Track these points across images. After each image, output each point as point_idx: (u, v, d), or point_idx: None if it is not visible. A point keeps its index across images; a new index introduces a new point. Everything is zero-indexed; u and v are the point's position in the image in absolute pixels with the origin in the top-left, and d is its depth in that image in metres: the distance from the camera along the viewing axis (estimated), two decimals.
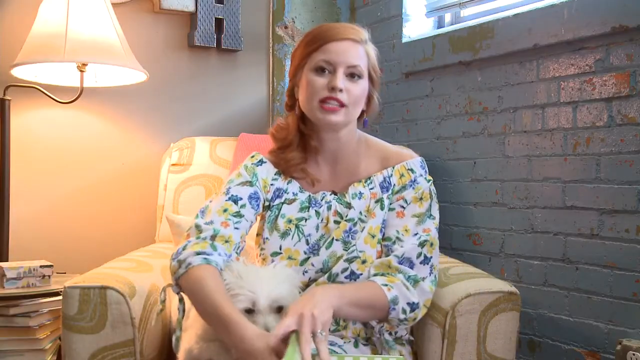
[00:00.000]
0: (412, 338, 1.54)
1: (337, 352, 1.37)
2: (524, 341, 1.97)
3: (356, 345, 1.45)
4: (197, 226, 1.40)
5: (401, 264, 1.42)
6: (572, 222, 1.84)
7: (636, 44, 1.67)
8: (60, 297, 1.49)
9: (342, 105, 1.42)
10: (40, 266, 1.91)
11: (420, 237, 1.45)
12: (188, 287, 1.32)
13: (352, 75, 1.43)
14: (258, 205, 1.49)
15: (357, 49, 1.44)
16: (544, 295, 1.91)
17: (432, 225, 1.47)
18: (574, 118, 1.84)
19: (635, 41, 1.68)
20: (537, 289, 1.94)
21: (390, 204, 1.49)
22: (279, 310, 1.28)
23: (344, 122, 1.46)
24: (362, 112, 1.51)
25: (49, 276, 1.92)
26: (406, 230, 1.46)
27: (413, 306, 1.39)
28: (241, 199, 1.46)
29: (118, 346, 1.44)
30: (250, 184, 1.49)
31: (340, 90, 1.41)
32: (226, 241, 1.38)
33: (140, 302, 1.49)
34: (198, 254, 1.33)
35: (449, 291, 1.50)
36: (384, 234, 1.47)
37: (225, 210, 1.43)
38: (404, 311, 1.38)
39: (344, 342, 1.44)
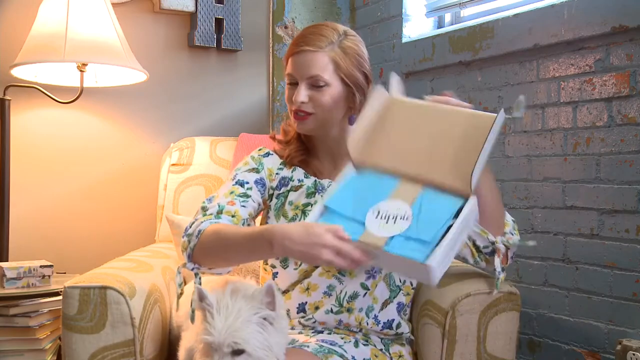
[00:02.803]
0: (412, 338, 1.54)
1: (336, 352, 1.37)
2: (524, 341, 1.97)
3: (356, 345, 1.45)
4: (203, 207, 1.44)
5: None
6: (572, 222, 1.84)
7: (636, 44, 1.68)
8: (60, 297, 1.49)
9: (308, 114, 1.46)
10: (40, 266, 1.91)
11: None
12: (204, 247, 1.34)
13: (315, 84, 1.45)
14: (264, 190, 1.52)
15: (316, 60, 1.44)
16: (544, 295, 1.91)
17: None
18: (574, 118, 1.84)
19: (635, 41, 1.68)
20: (537, 289, 1.94)
21: None
22: (240, 353, 1.23)
23: (316, 128, 1.49)
24: (351, 109, 1.51)
25: (49, 276, 1.93)
26: None
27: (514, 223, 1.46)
28: (247, 182, 1.50)
29: (118, 346, 1.44)
30: (256, 170, 1.53)
31: (303, 102, 1.45)
32: (232, 215, 1.41)
33: (140, 302, 1.49)
34: (204, 222, 1.37)
35: (449, 291, 1.50)
36: None
37: (231, 193, 1.47)
38: (513, 224, 1.45)
39: (344, 342, 1.44)
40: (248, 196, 1.47)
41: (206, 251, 1.34)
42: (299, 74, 1.45)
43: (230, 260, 1.36)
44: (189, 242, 1.36)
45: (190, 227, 1.39)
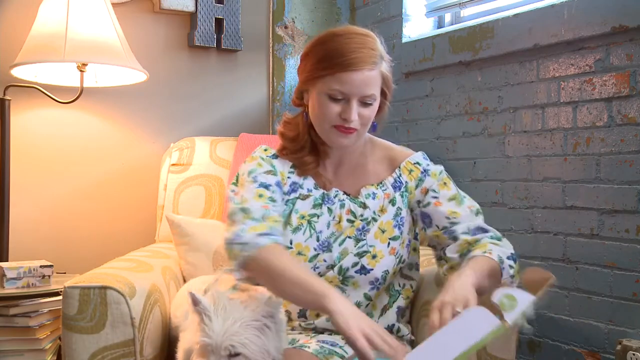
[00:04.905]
0: (413, 338, 1.54)
1: (337, 353, 1.37)
2: (524, 341, 1.97)
3: None
4: (244, 209, 1.38)
5: (476, 235, 1.43)
6: (572, 222, 1.84)
7: (636, 44, 1.67)
8: (60, 297, 1.49)
9: (354, 130, 1.42)
10: (40, 266, 1.91)
11: (471, 210, 1.47)
12: (258, 266, 1.30)
13: (366, 101, 1.40)
14: (282, 193, 1.48)
15: (373, 78, 1.39)
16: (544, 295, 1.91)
17: (470, 201, 1.50)
18: (574, 118, 1.84)
19: (635, 41, 1.68)
20: None
21: (421, 200, 1.50)
22: (236, 355, 1.23)
23: (355, 142, 1.46)
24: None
25: (49, 276, 1.93)
26: (453, 212, 1.46)
27: (513, 256, 1.40)
28: (270, 185, 1.45)
29: (118, 346, 1.44)
30: (273, 173, 1.48)
31: (354, 120, 1.40)
32: (275, 221, 1.38)
33: (140, 302, 1.49)
34: (262, 234, 1.33)
35: None
36: (438, 227, 1.47)
37: (260, 196, 1.42)
38: (511, 266, 1.38)
39: (345, 343, 1.44)
40: (275, 200, 1.43)
41: (258, 269, 1.31)
42: (355, 92, 1.37)
43: (273, 291, 1.30)
44: (242, 250, 1.31)
45: (243, 233, 1.33)
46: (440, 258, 1.49)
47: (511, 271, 1.39)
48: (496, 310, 1.17)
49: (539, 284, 1.23)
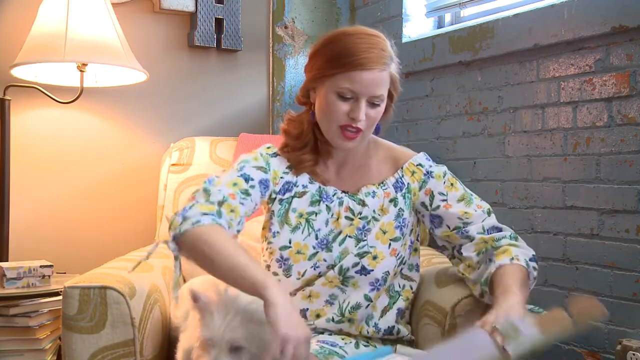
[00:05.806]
0: (412, 338, 1.54)
1: (337, 353, 1.37)
2: None
3: (357, 346, 1.45)
4: (206, 190, 1.37)
5: (491, 233, 1.47)
6: (572, 222, 1.84)
7: (636, 44, 1.67)
8: (60, 297, 1.49)
9: (360, 130, 1.42)
10: (40, 266, 1.91)
11: (482, 209, 1.50)
12: (194, 243, 1.28)
13: (374, 102, 1.41)
14: (265, 192, 1.47)
15: (383, 79, 1.40)
16: (544, 295, 1.91)
17: (479, 200, 1.52)
18: (574, 118, 1.84)
19: (635, 41, 1.68)
20: (537, 289, 1.93)
21: (427, 203, 1.51)
22: (237, 349, 1.24)
23: (359, 145, 1.47)
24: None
25: (49, 276, 1.93)
26: (465, 213, 1.48)
27: (534, 258, 1.44)
28: (252, 179, 1.44)
29: (118, 346, 1.44)
30: (264, 170, 1.48)
31: (362, 120, 1.40)
32: (232, 211, 1.36)
33: (140, 302, 1.49)
34: (206, 214, 1.31)
35: (449, 291, 1.50)
36: (449, 227, 1.49)
37: (235, 185, 1.41)
38: (535, 268, 1.42)
39: (345, 343, 1.44)
40: (249, 194, 1.42)
41: (193, 246, 1.29)
42: (365, 91, 1.38)
43: (208, 271, 1.30)
44: (181, 223, 1.30)
45: (190, 209, 1.32)
46: (453, 257, 1.51)
47: (535, 273, 1.42)
48: (500, 336, 1.17)
49: (586, 315, 1.24)
